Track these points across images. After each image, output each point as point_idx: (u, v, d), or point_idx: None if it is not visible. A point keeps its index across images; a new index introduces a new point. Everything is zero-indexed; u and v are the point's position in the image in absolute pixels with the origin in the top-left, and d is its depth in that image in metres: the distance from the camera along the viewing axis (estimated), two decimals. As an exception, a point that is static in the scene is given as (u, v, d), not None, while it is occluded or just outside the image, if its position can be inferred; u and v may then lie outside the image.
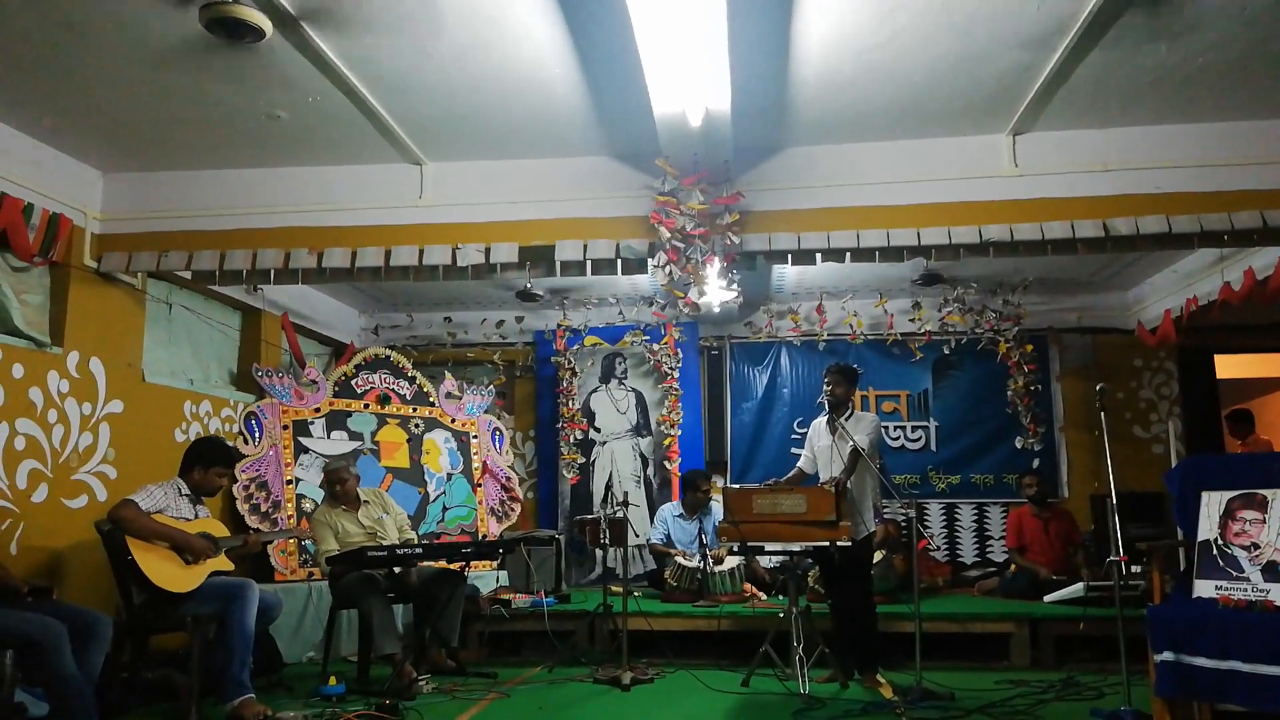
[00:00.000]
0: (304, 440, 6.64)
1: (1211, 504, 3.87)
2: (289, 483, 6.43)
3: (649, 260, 5.16)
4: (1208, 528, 3.83)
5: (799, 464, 5.26)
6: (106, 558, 4.42)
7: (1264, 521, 3.68)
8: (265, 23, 3.69)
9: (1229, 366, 8.37)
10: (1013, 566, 6.76)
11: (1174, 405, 7.79)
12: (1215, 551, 3.76)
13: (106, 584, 4.65)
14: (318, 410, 6.81)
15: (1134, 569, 5.18)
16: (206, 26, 3.69)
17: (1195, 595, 3.74)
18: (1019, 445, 7.67)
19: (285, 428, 6.57)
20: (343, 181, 5.40)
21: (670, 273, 5.02)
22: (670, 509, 6.98)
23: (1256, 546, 3.66)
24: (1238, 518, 3.77)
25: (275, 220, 5.38)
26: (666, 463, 7.79)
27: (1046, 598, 5.95)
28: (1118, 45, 4.09)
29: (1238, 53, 4.17)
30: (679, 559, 6.39)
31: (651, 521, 7.24)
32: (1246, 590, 3.59)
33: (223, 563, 4.53)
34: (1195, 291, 6.56)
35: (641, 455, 7.99)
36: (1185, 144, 4.89)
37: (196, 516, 4.60)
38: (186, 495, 4.60)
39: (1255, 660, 3.32)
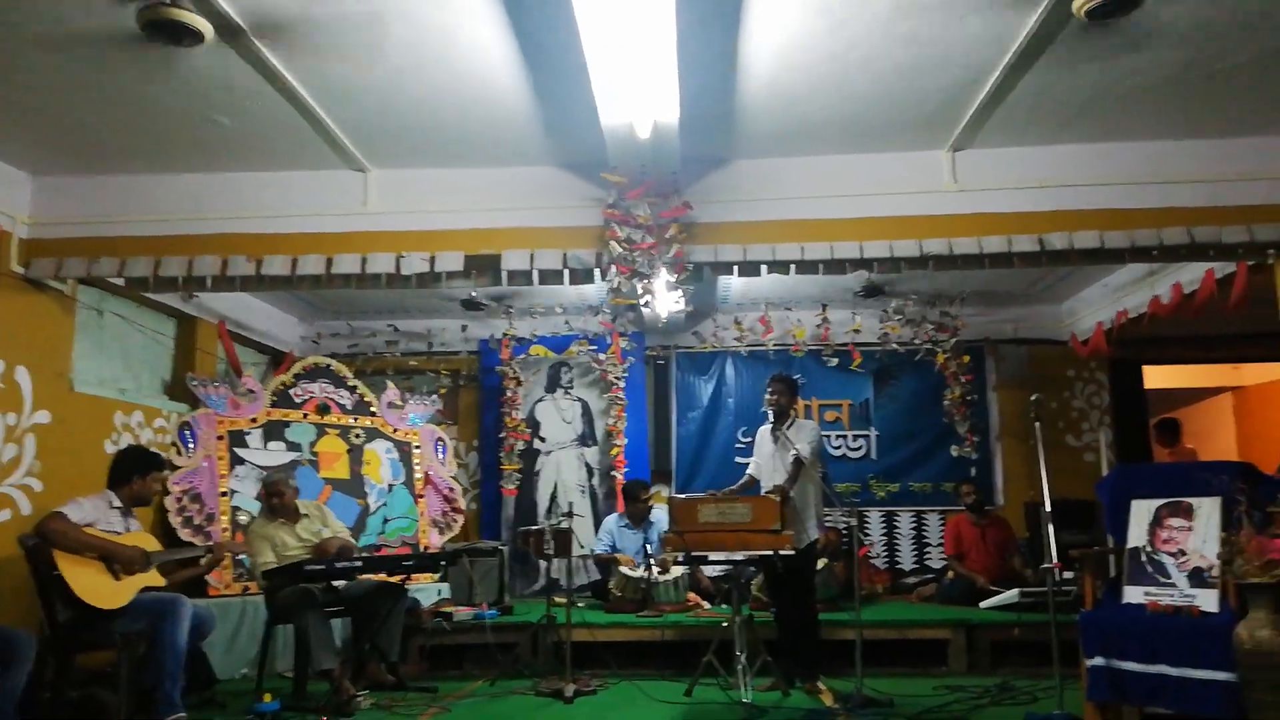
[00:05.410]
0: (240, 451, 6.48)
1: (1141, 512, 3.99)
2: (224, 495, 6.27)
3: (596, 271, 5.15)
4: (1137, 535, 3.95)
5: (749, 471, 5.30)
6: (29, 573, 4.26)
7: (1190, 529, 3.81)
8: (206, 26, 3.60)
9: (1157, 377, 8.63)
10: (950, 573, 6.88)
11: (1105, 414, 8.01)
12: (1144, 558, 3.88)
13: (29, 601, 4.48)
14: (255, 420, 6.66)
15: (1067, 575, 5.32)
16: (144, 28, 3.58)
17: (1125, 601, 3.85)
18: (955, 454, 7.79)
19: (220, 438, 6.41)
20: (284, 188, 5.29)
21: (618, 284, 5.03)
22: (615, 519, 6.97)
23: (1183, 553, 3.78)
24: (1165, 525, 3.89)
25: (213, 226, 5.25)
26: (612, 472, 7.77)
27: (982, 604, 6.06)
28: (1054, 66, 4.20)
29: (1168, 75, 4.31)
30: (623, 569, 6.38)
31: (596, 532, 7.23)
32: (1174, 596, 3.71)
33: (154, 578, 4.40)
34: (1126, 304, 6.76)
35: (587, 465, 7.96)
36: (1118, 163, 5.05)
37: (128, 530, 4.47)
38: (117, 508, 4.47)
39: (1182, 664, 3.44)
